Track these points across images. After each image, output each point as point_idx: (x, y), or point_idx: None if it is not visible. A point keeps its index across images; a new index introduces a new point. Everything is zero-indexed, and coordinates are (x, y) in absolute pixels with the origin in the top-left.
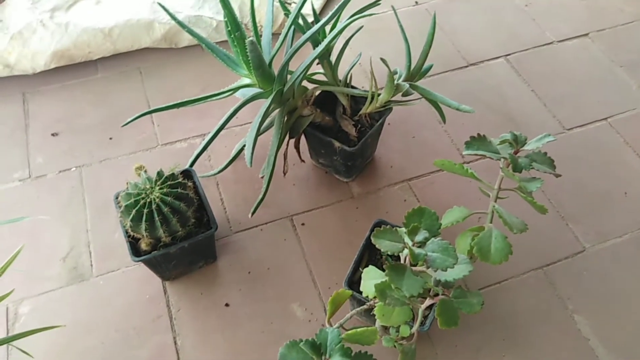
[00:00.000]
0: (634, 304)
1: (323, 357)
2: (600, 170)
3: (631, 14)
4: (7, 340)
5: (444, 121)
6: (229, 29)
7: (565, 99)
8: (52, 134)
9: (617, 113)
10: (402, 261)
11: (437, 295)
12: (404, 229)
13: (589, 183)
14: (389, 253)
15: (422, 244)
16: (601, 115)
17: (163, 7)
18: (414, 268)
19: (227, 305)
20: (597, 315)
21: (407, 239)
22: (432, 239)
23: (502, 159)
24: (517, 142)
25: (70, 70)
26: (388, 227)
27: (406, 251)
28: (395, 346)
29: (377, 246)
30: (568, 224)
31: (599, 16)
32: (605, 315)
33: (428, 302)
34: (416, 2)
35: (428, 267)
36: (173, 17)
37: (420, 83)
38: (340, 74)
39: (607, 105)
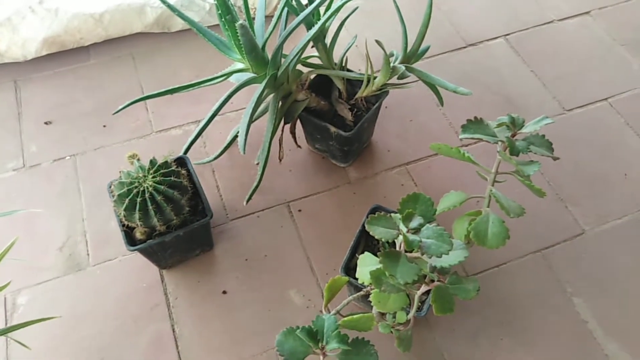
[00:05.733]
0: (633, 287)
1: (320, 344)
2: (600, 152)
3: None
4: (4, 332)
5: (442, 104)
6: (220, 12)
7: (565, 79)
8: (46, 122)
9: (618, 93)
10: (397, 248)
11: (432, 281)
12: (398, 215)
13: (589, 164)
14: (383, 239)
15: (416, 231)
16: (602, 96)
17: None
18: (409, 254)
19: (224, 292)
20: (595, 298)
21: (401, 226)
22: (427, 225)
23: (500, 142)
24: (515, 125)
25: (62, 57)
26: (382, 213)
27: (401, 238)
28: (392, 332)
29: (371, 233)
30: (567, 207)
31: None
32: (604, 297)
33: (424, 288)
34: None
35: (423, 254)
36: (165, 2)
37: (417, 65)
38: (336, 56)
39: (607, 85)
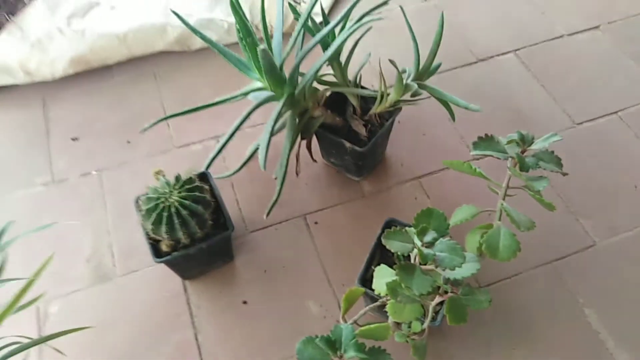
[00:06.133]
0: None
1: (338, 353)
2: (610, 164)
3: None
4: (42, 341)
5: (454, 119)
6: (241, 35)
7: (575, 93)
8: (72, 139)
9: (628, 106)
10: (412, 260)
11: (446, 292)
12: (413, 230)
13: (599, 177)
14: (398, 252)
15: (430, 244)
16: (611, 109)
17: (175, 13)
18: (423, 267)
19: (244, 302)
20: (607, 309)
21: (416, 240)
22: (441, 239)
23: (510, 159)
24: (524, 141)
25: (87, 76)
26: (398, 228)
27: (416, 251)
28: (407, 341)
29: (387, 247)
30: (578, 219)
31: (610, 7)
32: (615, 308)
33: (438, 299)
34: None
35: (437, 266)
36: (185, 22)
37: (429, 81)
38: (350, 74)
39: (617, 98)
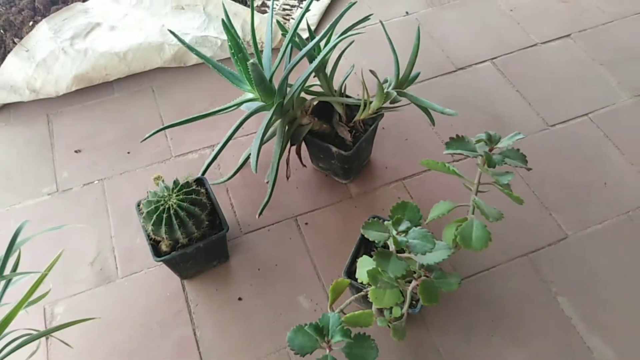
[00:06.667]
0: (612, 285)
1: (326, 338)
2: (581, 163)
3: (612, 13)
4: (51, 331)
5: (433, 124)
6: (232, 51)
7: (549, 97)
8: (76, 151)
9: (598, 108)
10: (389, 249)
11: (421, 277)
12: (391, 222)
13: (571, 175)
14: (379, 243)
15: (404, 233)
16: (582, 111)
17: (172, 32)
18: (400, 255)
19: (240, 299)
20: (578, 296)
21: (392, 229)
22: (414, 228)
23: (479, 157)
24: (492, 140)
25: (89, 92)
26: (376, 219)
27: (392, 239)
28: (389, 326)
29: (366, 236)
30: (551, 214)
31: (581, 17)
32: (586, 296)
33: (414, 284)
34: (407, 13)
35: (410, 252)
36: (181, 41)
37: (411, 89)
38: (336, 84)
39: (588, 101)
